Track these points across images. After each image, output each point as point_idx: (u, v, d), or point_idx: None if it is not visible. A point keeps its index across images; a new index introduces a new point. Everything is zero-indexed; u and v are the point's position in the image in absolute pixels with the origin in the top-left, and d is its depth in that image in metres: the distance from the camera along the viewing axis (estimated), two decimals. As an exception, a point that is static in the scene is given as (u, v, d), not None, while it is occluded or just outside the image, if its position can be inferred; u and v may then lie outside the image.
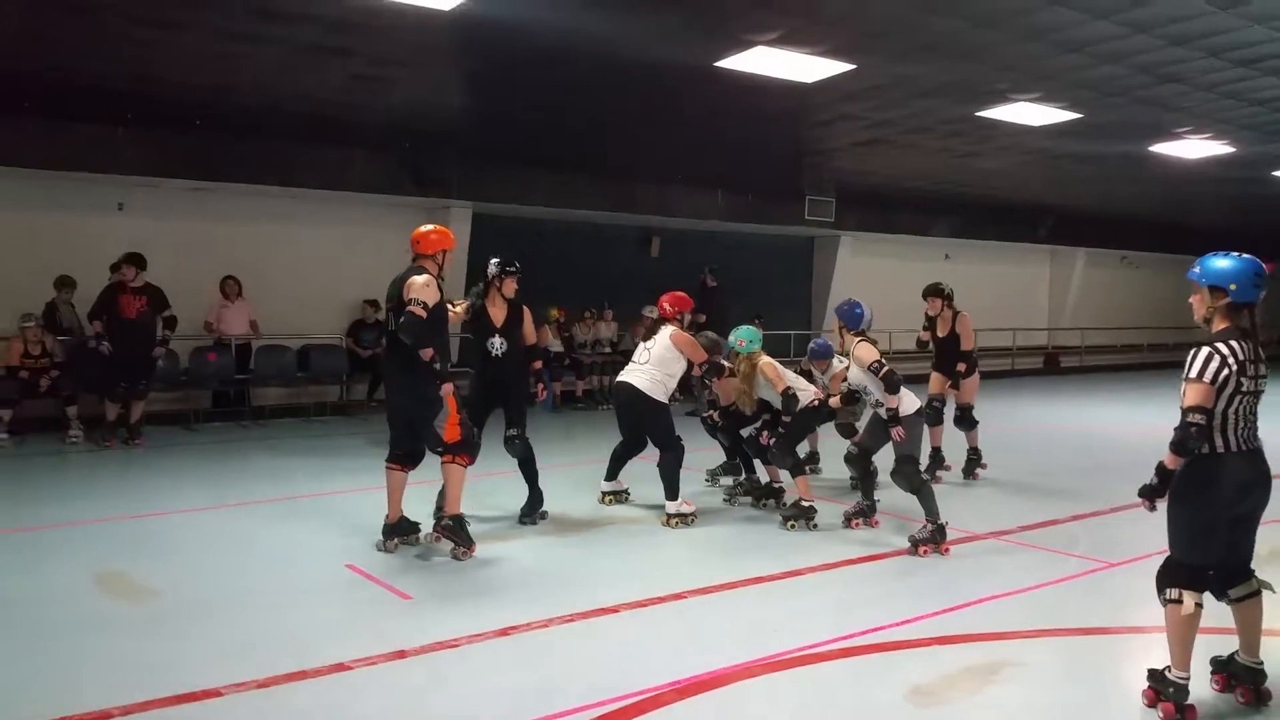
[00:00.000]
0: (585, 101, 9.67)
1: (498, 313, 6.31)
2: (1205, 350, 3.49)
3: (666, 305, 6.93)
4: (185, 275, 10.62)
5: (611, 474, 7.09)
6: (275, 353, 11.37)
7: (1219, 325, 3.56)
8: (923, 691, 3.80)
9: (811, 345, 7.51)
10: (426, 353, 5.32)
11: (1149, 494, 3.54)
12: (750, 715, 3.68)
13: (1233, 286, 3.52)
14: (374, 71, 8.34)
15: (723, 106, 9.68)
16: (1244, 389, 3.48)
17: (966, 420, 8.22)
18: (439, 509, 5.89)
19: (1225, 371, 3.45)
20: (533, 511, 6.50)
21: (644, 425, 6.70)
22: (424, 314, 5.28)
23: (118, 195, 10.84)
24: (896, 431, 5.89)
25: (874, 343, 6.15)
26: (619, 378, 6.82)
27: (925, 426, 6.16)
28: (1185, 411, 3.45)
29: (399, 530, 5.75)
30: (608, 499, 7.06)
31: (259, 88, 8.91)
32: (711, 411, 7.54)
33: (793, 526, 6.38)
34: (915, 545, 5.84)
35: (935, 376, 8.31)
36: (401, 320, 5.29)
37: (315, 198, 11.91)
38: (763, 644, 4.26)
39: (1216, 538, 3.54)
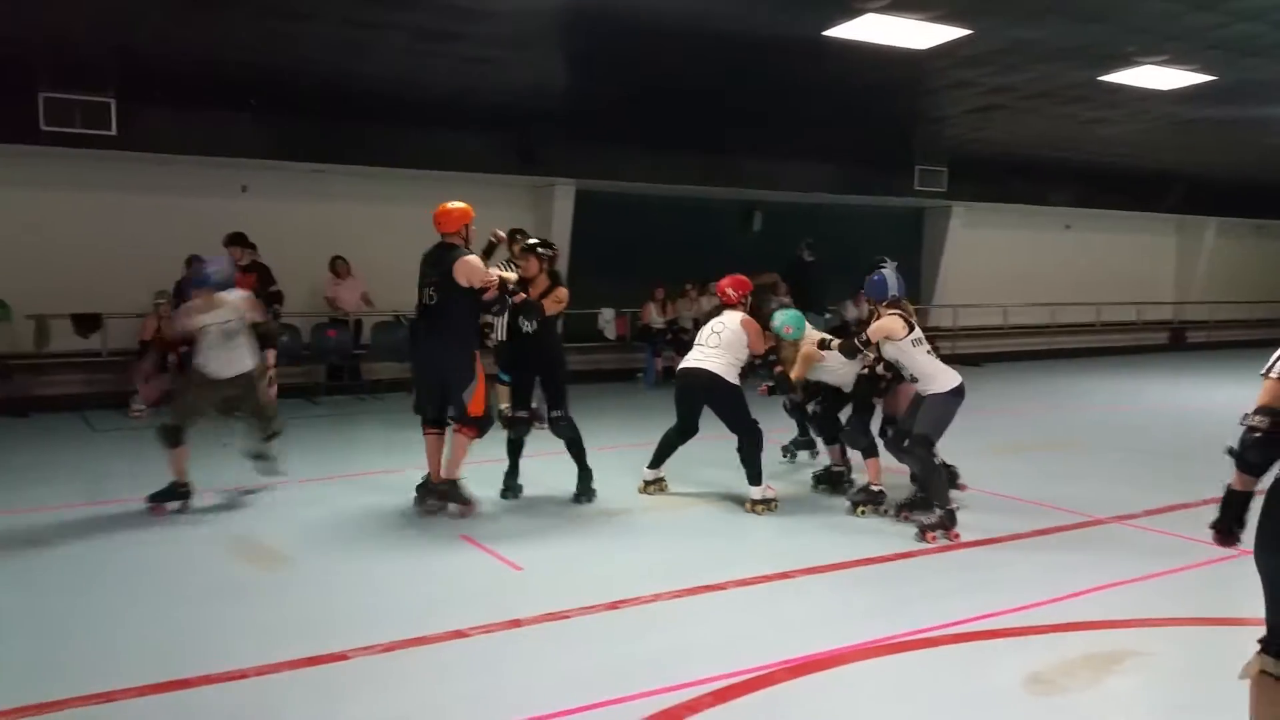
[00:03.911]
0: (690, 77, 9.58)
1: (536, 292, 6.40)
2: None
3: (730, 291, 6.52)
4: (303, 254, 11.11)
5: (657, 461, 6.67)
6: (388, 329, 11.77)
7: None
8: (1041, 680, 3.71)
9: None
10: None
11: (1215, 527, 2.90)
12: (864, 696, 3.66)
13: None
14: (484, 54, 8.45)
15: (830, 77, 9.47)
16: None
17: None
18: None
19: None
20: (587, 490, 6.47)
21: (720, 410, 6.32)
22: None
23: (241, 178, 11.38)
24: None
25: (905, 315, 5.76)
26: (686, 363, 6.45)
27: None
28: (1249, 415, 2.74)
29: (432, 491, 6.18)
30: (650, 488, 6.68)
31: (375, 74, 9.16)
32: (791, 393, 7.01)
33: (862, 513, 6.13)
34: (923, 531, 5.60)
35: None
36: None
37: (426, 178, 12.17)
38: (874, 626, 4.22)
39: None
